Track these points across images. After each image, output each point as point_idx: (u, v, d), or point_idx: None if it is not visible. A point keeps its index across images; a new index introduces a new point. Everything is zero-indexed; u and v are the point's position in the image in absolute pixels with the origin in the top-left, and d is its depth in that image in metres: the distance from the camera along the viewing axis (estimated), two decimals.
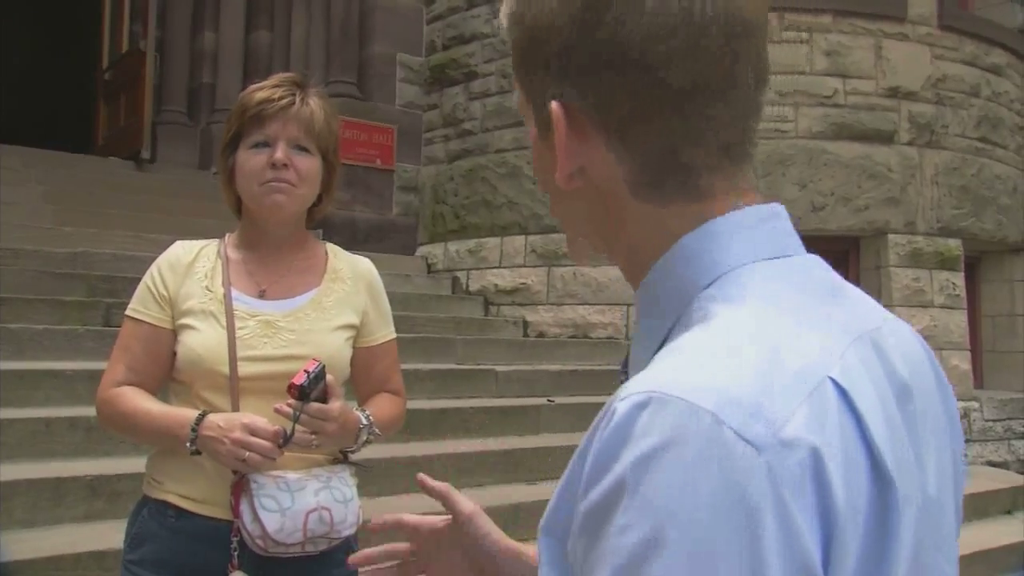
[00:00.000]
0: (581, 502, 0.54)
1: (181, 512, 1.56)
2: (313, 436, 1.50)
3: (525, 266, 6.93)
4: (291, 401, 1.47)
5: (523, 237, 6.96)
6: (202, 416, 1.51)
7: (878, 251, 6.48)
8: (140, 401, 1.58)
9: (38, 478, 3.04)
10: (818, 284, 0.64)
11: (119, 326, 4.88)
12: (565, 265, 6.71)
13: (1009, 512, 5.10)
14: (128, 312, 1.66)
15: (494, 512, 4.00)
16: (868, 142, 6.46)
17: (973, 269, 7.21)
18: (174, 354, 1.62)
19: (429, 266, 7.47)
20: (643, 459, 0.51)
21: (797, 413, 0.52)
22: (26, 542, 2.78)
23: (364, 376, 1.74)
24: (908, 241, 6.45)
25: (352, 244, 6.50)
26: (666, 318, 0.63)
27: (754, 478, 0.49)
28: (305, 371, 1.47)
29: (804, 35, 6.49)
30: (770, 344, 0.56)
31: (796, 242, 0.66)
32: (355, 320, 1.70)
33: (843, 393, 0.55)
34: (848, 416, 0.55)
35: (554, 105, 0.64)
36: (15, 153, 7.10)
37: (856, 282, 6.13)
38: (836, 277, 0.67)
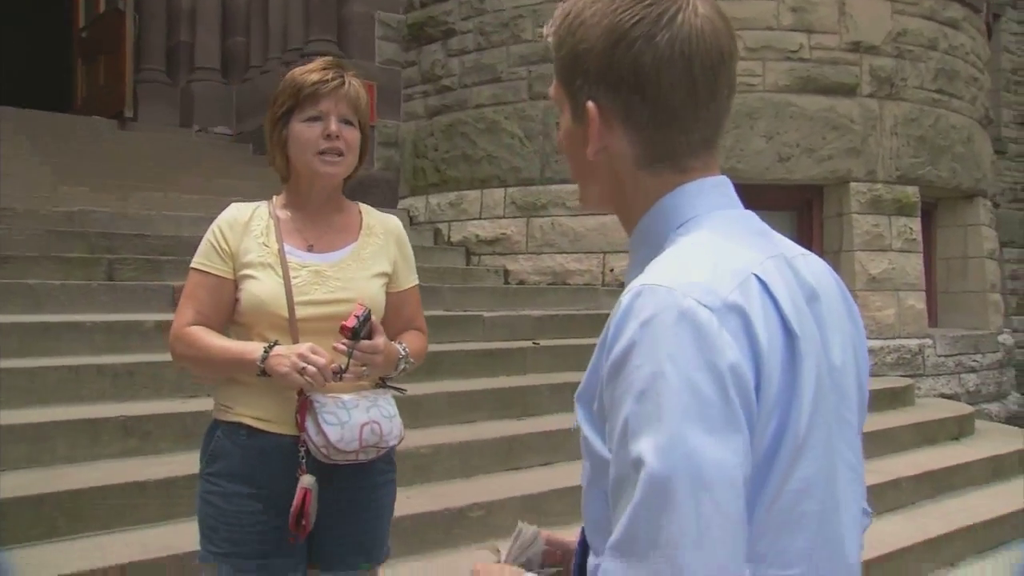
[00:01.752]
0: (606, 363, 0.85)
1: (252, 430, 1.85)
2: (364, 368, 1.81)
3: (505, 217, 7.22)
4: (344, 341, 1.77)
5: (502, 190, 7.23)
6: (271, 345, 1.80)
7: (840, 199, 6.83)
8: (211, 337, 1.87)
9: (74, 419, 3.31)
10: (750, 226, 0.97)
11: (122, 280, 5.12)
12: (543, 216, 7.00)
13: (956, 439, 5.54)
14: (194, 265, 1.93)
15: (489, 445, 4.35)
16: (831, 95, 6.77)
17: (929, 215, 7.60)
18: (235, 300, 1.90)
19: (411, 218, 7.72)
20: (644, 324, 0.82)
21: (734, 291, 0.84)
22: (71, 475, 3.07)
23: (395, 316, 2.04)
24: (869, 189, 6.81)
25: None
26: (651, 251, 0.95)
27: (712, 326, 0.81)
28: (355, 315, 1.78)
29: None
30: (715, 254, 0.89)
31: (737, 201, 0.99)
32: (388, 269, 2.00)
33: (763, 284, 0.87)
34: (767, 296, 0.87)
35: (590, 105, 0.94)
36: (2, 114, 7.21)
37: (820, 228, 6.48)
38: (764, 225, 0.99)
